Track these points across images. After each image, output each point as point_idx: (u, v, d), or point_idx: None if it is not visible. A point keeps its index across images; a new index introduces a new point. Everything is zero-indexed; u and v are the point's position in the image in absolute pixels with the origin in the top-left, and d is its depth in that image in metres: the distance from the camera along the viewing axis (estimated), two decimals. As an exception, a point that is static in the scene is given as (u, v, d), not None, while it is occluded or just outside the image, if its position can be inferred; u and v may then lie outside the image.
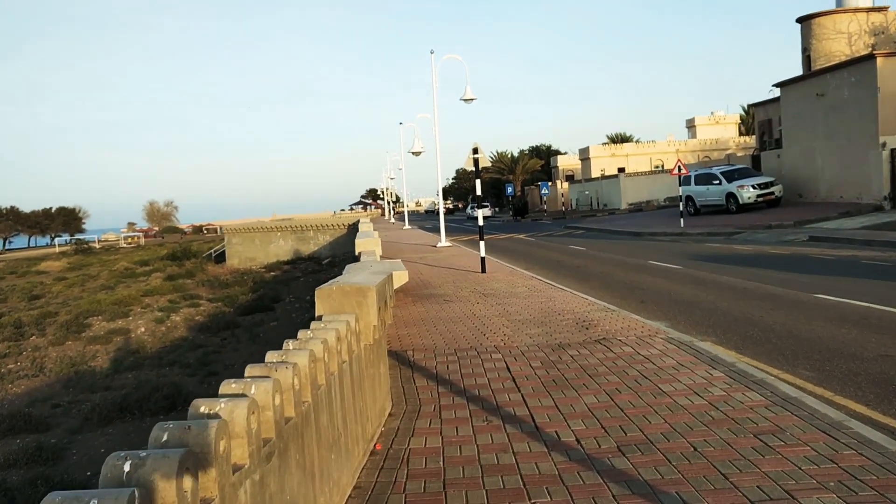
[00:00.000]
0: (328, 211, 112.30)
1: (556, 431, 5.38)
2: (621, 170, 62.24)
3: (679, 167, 31.21)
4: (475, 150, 16.46)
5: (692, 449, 4.85)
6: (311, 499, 3.55)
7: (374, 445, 5.28)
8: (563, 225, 41.78)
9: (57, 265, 53.46)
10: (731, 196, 31.60)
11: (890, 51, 27.82)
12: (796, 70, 36.54)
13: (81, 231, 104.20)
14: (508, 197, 68.82)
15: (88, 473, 8.73)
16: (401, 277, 12.39)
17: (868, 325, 8.98)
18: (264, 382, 3.03)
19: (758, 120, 42.79)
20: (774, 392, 6.04)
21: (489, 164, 20.72)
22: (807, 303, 10.84)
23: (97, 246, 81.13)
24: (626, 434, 5.23)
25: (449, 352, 8.31)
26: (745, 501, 4.01)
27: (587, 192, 61.13)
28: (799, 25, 35.70)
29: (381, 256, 14.51)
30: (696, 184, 33.82)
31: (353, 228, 38.62)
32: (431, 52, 25.32)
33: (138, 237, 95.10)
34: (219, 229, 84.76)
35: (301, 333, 4.22)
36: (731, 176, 32.35)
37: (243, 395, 2.88)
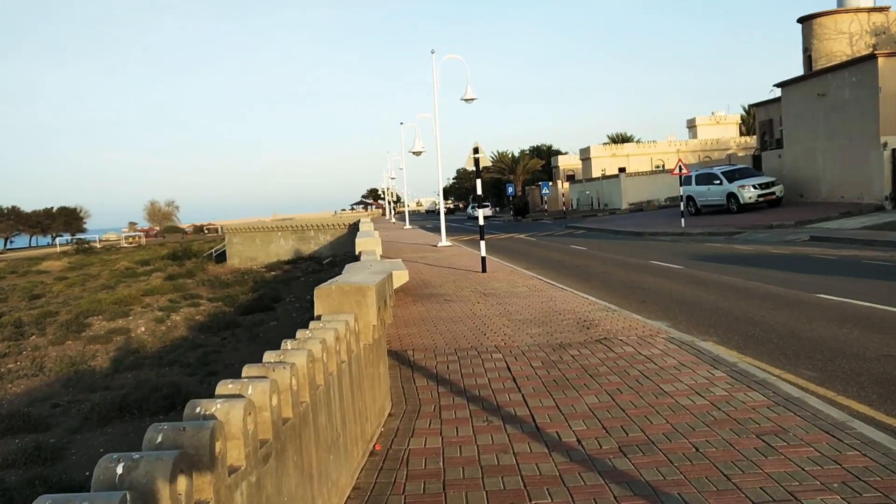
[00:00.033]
0: (329, 211, 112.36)
1: (556, 432, 5.35)
2: (622, 170, 62.19)
3: (680, 167, 31.18)
4: (476, 150, 16.42)
5: (694, 450, 4.81)
6: (308, 500, 3.51)
7: (374, 446, 5.24)
8: (563, 225, 41.74)
9: (58, 265, 53.45)
10: (731, 196, 31.55)
11: (891, 51, 27.76)
12: (797, 70, 36.55)
13: (82, 231, 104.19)
14: (509, 197, 68.84)
15: (87, 474, 8.69)
16: (401, 277, 12.36)
17: (870, 325, 8.94)
18: (261, 383, 2.99)
19: (759, 120, 42.74)
20: (777, 392, 6.00)
21: (490, 164, 20.67)
22: (808, 303, 10.80)
23: (98, 246, 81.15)
24: (627, 434, 5.19)
25: (449, 351, 8.27)
26: (747, 503, 3.98)
27: (588, 192, 61.09)
28: (800, 25, 35.67)
29: (381, 256, 14.48)
30: (696, 184, 33.77)
31: (354, 228, 38.57)
32: (432, 52, 25.35)
33: (139, 237, 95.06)
34: (220, 229, 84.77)
35: (299, 333, 4.18)
36: (731, 176, 32.30)
37: (240, 396, 2.84)
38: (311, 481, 3.59)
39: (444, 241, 26.29)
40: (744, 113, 74.57)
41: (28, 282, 41.99)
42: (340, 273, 7.07)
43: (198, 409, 2.69)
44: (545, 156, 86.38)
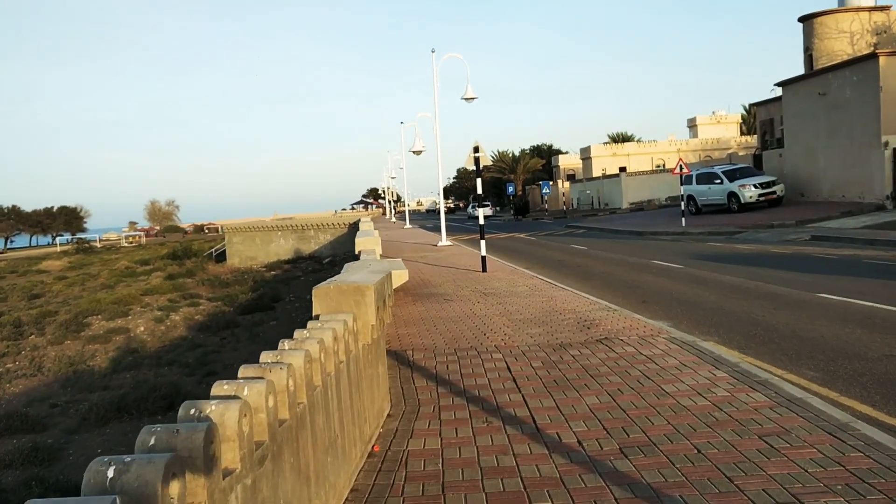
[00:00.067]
0: (329, 210, 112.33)
1: (557, 433, 5.30)
2: (622, 169, 62.16)
3: (681, 166, 31.15)
4: (476, 149, 16.37)
5: (696, 451, 4.76)
6: (305, 503, 3.47)
7: (372, 447, 5.20)
8: (564, 224, 41.70)
9: (58, 264, 53.40)
10: (732, 195, 31.50)
11: (892, 50, 27.70)
12: (798, 69, 36.49)
13: (83, 230, 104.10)
14: (509, 196, 68.80)
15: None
16: (401, 276, 12.33)
17: (872, 325, 8.90)
18: (257, 384, 2.95)
19: (759, 119, 42.69)
20: (779, 393, 5.95)
21: (490, 163, 20.66)
22: (809, 302, 10.75)
23: (98, 245, 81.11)
24: (628, 436, 5.14)
25: (449, 351, 8.22)
26: (750, 505, 3.93)
27: (588, 192, 61.04)
28: (801, 25, 35.60)
29: (381, 255, 14.43)
30: (697, 183, 33.72)
31: (354, 227, 38.53)
32: (433, 52, 25.27)
33: (139, 236, 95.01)
34: (220, 228, 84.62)
35: (297, 333, 4.14)
36: (732, 175, 32.25)
37: (235, 397, 2.80)
38: (309, 483, 3.55)
39: (445, 240, 26.25)
40: (744, 112, 74.50)
41: (28, 281, 41.96)
42: (340, 272, 7.02)
43: (192, 411, 2.64)
44: (545, 155, 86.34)
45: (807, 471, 4.33)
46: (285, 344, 3.86)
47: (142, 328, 20.66)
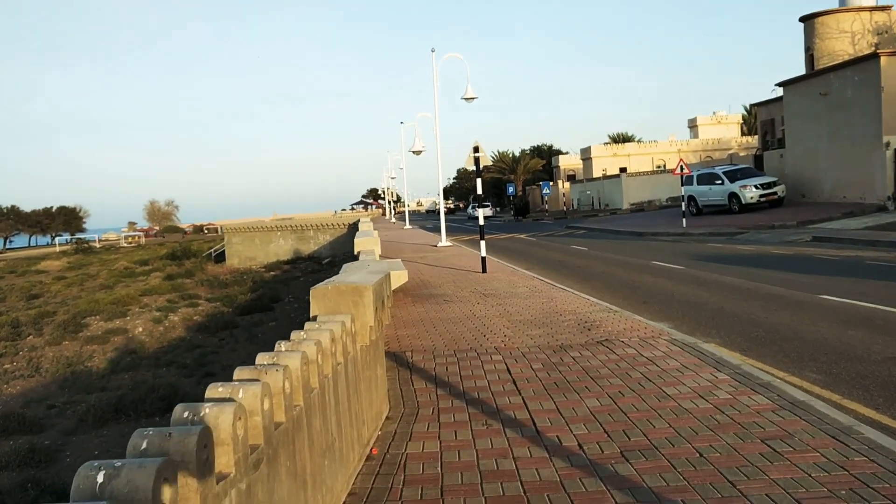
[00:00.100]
0: (329, 210, 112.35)
1: (557, 436, 5.24)
2: (623, 170, 62.14)
3: (681, 167, 31.11)
4: (476, 149, 16.32)
5: (698, 455, 4.71)
6: (302, 507, 3.41)
7: (371, 450, 5.14)
8: (564, 225, 41.65)
9: (57, 264, 53.37)
10: (733, 196, 31.46)
11: (893, 50, 27.65)
12: (799, 69, 36.46)
13: (82, 230, 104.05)
14: (510, 197, 68.74)
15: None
16: (400, 277, 12.27)
17: (874, 327, 8.84)
18: (253, 386, 2.89)
19: (760, 120, 42.67)
20: (781, 395, 5.89)
21: (490, 163, 20.61)
22: (811, 304, 10.70)
23: (97, 245, 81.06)
24: (629, 439, 5.09)
25: (448, 353, 8.17)
26: (753, 510, 3.87)
27: (589, 192, 61.00)
28: (802, 25, 35.58)
29: (380, 256, 14.38)
30: (698, 184, 33.68)
31: (354, 228, 38.50)
32: (433, 51, 25.25)
33: (139, 236, 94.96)
34: (219, 229, 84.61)
35: (294, 334, 4.09)
36: (733, 176, 32.21)
37: (230, 400, 2.74)
38: (305, 487, 3.49)
39: (444, 241, 26.20)
40: (745, 113, 74.47)
41: (26, 281, 41.91)
42: (339, 273, 6.97)
43: (186, 414, 2.59)
44: (546, 155, 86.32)
45: (810, 475, 4.28)
46: (282, 345, 3.80)
47: (140, 329, 20.61)
